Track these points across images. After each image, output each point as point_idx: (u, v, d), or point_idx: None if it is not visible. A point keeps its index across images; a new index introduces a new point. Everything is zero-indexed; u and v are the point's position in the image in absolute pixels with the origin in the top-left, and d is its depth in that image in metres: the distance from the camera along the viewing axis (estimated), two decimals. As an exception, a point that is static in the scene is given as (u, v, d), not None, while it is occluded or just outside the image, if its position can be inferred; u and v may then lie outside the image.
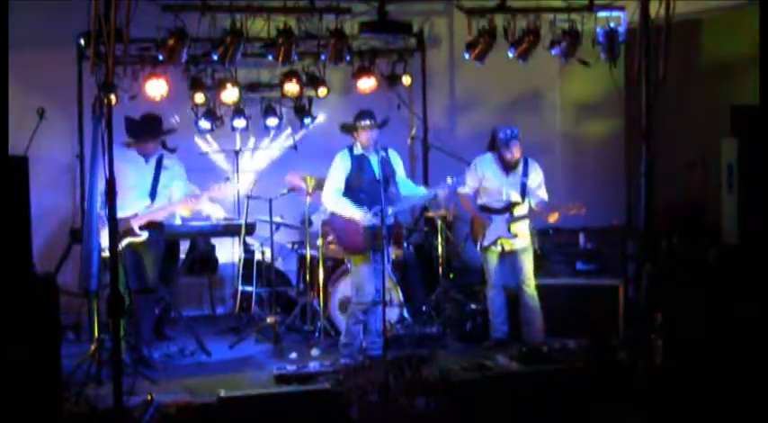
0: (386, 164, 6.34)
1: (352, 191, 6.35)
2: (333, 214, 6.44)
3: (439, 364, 5.69)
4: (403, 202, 6.50)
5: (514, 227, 6.71)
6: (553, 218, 6.69)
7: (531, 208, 6.76)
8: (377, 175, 6.27)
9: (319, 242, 7.15)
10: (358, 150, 6.38)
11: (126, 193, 6.20)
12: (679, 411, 5.25)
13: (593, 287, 7.06)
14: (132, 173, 6.27)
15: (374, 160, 6.31)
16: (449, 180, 6.32)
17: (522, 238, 6.76)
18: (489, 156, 6.83)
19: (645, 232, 6.02)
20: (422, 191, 6.57)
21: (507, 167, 6.73)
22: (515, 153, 6.66)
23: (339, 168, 6.37)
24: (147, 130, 6.31)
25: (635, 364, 5.80)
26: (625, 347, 6.26)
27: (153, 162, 6.36)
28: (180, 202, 6.39)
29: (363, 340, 6.49)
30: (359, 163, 6.36)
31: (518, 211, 6.73)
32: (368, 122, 6.26)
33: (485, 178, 6.80)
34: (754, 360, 4.94)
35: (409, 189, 6.52)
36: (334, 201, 6.36)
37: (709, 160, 6.81)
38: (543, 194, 6.77)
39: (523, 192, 6.73)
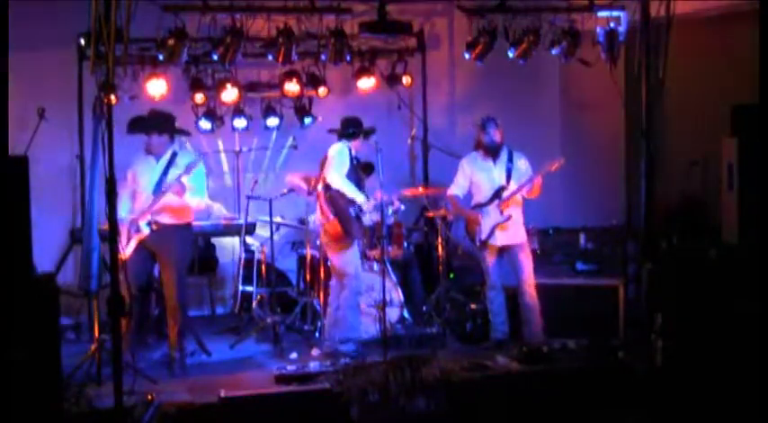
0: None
1: None
2: (335, 194, 6.58)
3: (439, 365, 5.68)
4: None
5: (507, 209, 6.71)
6: (538, 184, 6.65)
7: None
8: (358, 174, 6.77)
9: (319, 242, 7.15)
10: (351, 151, 6.75)
11: (140, 197, 6.23)
12: (679, 411, 5.25)
13: (593, 287, 7.05)
14: (145, 175, 6.28)
15: (355, 160, 6.77)
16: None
17: (516, 233, 6.76)
18: (473, 153, 6.88)
19: (645, 232, 6.03)
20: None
21: (490, 153, 6.75)
22: (495, 136, 6.69)
23: (345, 160, 6.65)
24: (150, 124, 6.25)
25: (635, 363, 5.81)
26: (625, 347, 6.26)
27: (164, 160, 6.29)
28: (169, 189, 6.18)
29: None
30: (351, 163, 6.70)
31: (507, 193, 6.74)
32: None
33: (473, 175, 6.84)
34: (754, 360, 4.94)
35: None
36: (341, 180, 6.58)
37: (709, 160, 6.81)
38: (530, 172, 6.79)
39: (509, 176, 6.75)
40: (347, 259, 6.69)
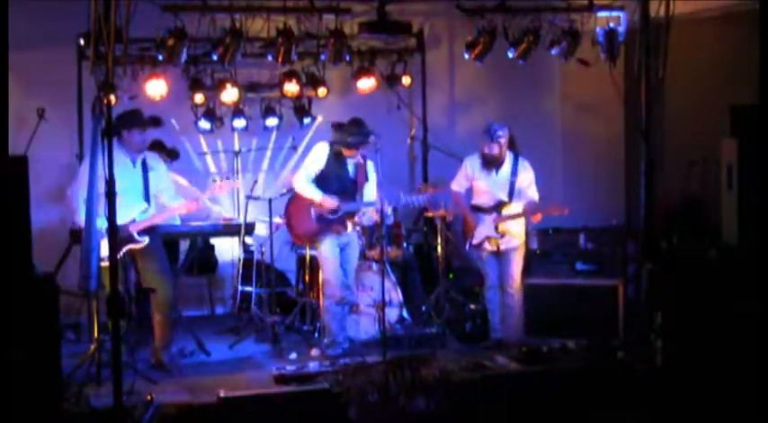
0: (360, 169, 6.62)
1: (322, 183, 6.53)
2: (292, 199, 6.59)
3: (439, 365, 5.68)
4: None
5: (502, 226, 6.68)
6: (536, 218, 6.66)
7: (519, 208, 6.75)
8: (350, 175, 6.59)
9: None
10: (339, 148, 6.60)
11: (118, 200, 6.15)
12: (679, 411, 5.25)
13: (593, 287, 7.05)
14: (121, 178, 6.16)
15: (350, 161, 6.60)
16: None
17: (513, 238, 6.73)
18: (477, 154, 6.84)
19: (645, 232, 6.03)
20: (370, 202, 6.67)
21: (487, 163, 6.68)
22: (490, 149, 6.59)
23: (317, 159, 6.55)
24: (132, 122, 6.14)
25: (635, 363, 5.81)
26: (625, 347, 6.26)
27: (139, 164, 6.22)
28: (180, 205, 6.30)
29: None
30: (336, 159, 6.57)
31: (506, 211, 6.71)
32: (362, 141, 6.42)
33: (475, 177, 6.80)
34: (754, 360, 4.94)
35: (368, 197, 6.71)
36: (304, 184, 6.51)
37: (709, 160, 6.80)
38: (533, 194, 6.72)
39: (511, 191, 6.70)
40: (322, 263, 6.64)
